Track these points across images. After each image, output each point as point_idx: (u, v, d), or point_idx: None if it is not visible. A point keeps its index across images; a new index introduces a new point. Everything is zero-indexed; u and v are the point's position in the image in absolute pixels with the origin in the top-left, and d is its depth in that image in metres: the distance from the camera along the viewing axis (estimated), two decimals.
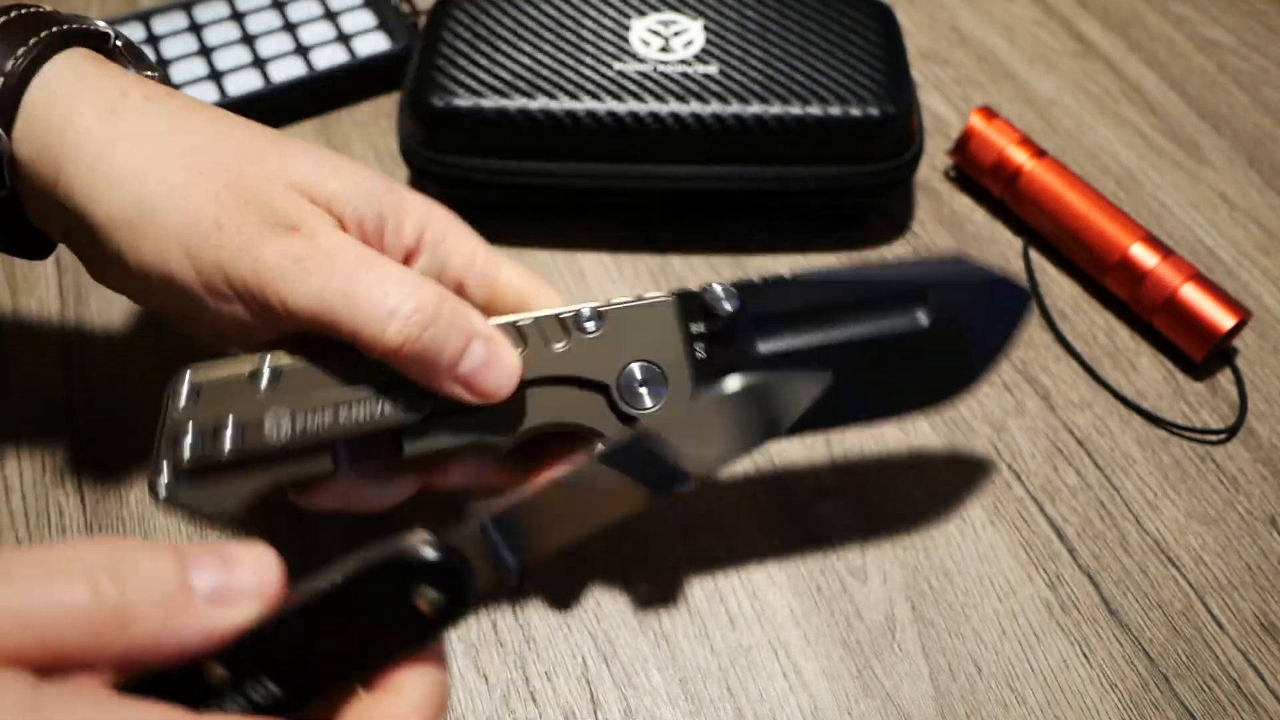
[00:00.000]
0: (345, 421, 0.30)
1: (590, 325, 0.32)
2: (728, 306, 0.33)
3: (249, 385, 0.30)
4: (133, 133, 0.31)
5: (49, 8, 0.33)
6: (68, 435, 0.41)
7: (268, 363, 0.30)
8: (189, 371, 0.30)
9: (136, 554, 0.21)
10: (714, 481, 0.41)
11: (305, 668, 0.22)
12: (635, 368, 0.32)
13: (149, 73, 0.35)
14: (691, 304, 0.33)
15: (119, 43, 0.34)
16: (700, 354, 0.33)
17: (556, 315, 0.32)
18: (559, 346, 0.32)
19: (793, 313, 0.34)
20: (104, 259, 0.31)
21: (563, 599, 0.38)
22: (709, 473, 0.30)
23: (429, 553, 0.22)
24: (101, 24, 0.34)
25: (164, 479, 0.29)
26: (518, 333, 0.32)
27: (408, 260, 0.33)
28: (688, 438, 0.27)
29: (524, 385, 0.31)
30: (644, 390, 0.32)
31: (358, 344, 0.29)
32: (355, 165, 0.33)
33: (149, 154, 0.31)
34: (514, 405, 0.31)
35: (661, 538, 0.39)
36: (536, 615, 0.37)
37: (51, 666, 0.19)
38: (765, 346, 0.34)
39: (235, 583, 0.22)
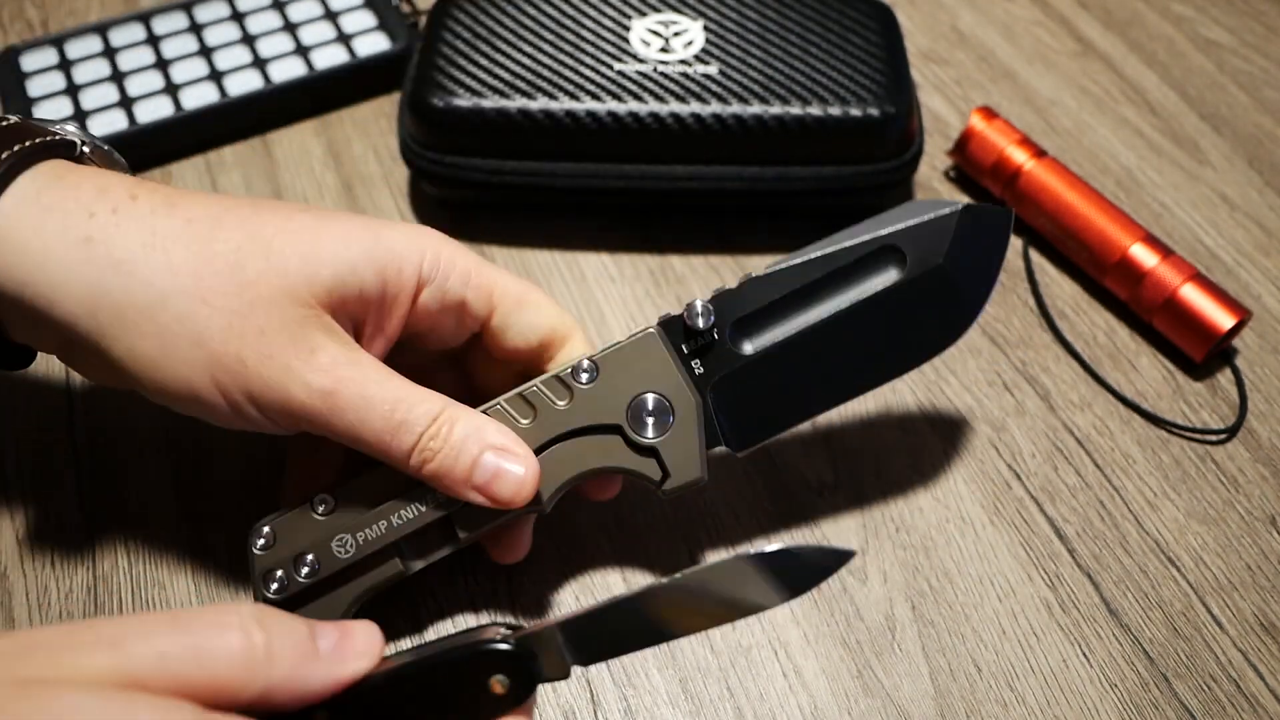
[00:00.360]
0: (399, 524, 0.33)
1: (585, 376, 0.34)
2: (703, 322, 0.34)
3: (311, 516, 0.33)
4: (115, 263, 0.30)
5: (13, 118, 0.33)
6: (68, 435, 0.41)
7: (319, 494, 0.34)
8: (263, 523, 0.34)
9: (275, 613, 0.25)
10: (715, 480, 0.41)
11: None
12: (639, 401, 0.34)
13: (121, 170, 0.35)
14: (675, 326, 0.35)
15: (86, 149, 0.34)
16: (698, 369, 0.35)
17: (556, 376, 0.34)
18: (564, 404, 0.34)
19: (774, 305, 0.35)
20: (111, 373, 0.32)
21: (563, 598, 0.38)
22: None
23: (505, 646, 0.27)
24: (70, 130, 0.34)
25: None
26: (526, 402, 0.34)
27: (416, 296, 0.34)
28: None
29: (545, 446, 0.34)
30: (652, 420, 0.34)
31: (384, 461, 0.32)
32: (339, 230, 0.33)
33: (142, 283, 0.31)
34: (543, 464, 0.33)
35: (662, 537, 0.39)
36: (536, 615, 0.37)
37: (210, 701, 0.23)
38: (754, 344, 0.35)
39: (351, 644, 0.26)
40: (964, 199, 0.51)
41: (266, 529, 0.33)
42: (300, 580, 0.33)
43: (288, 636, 0.25)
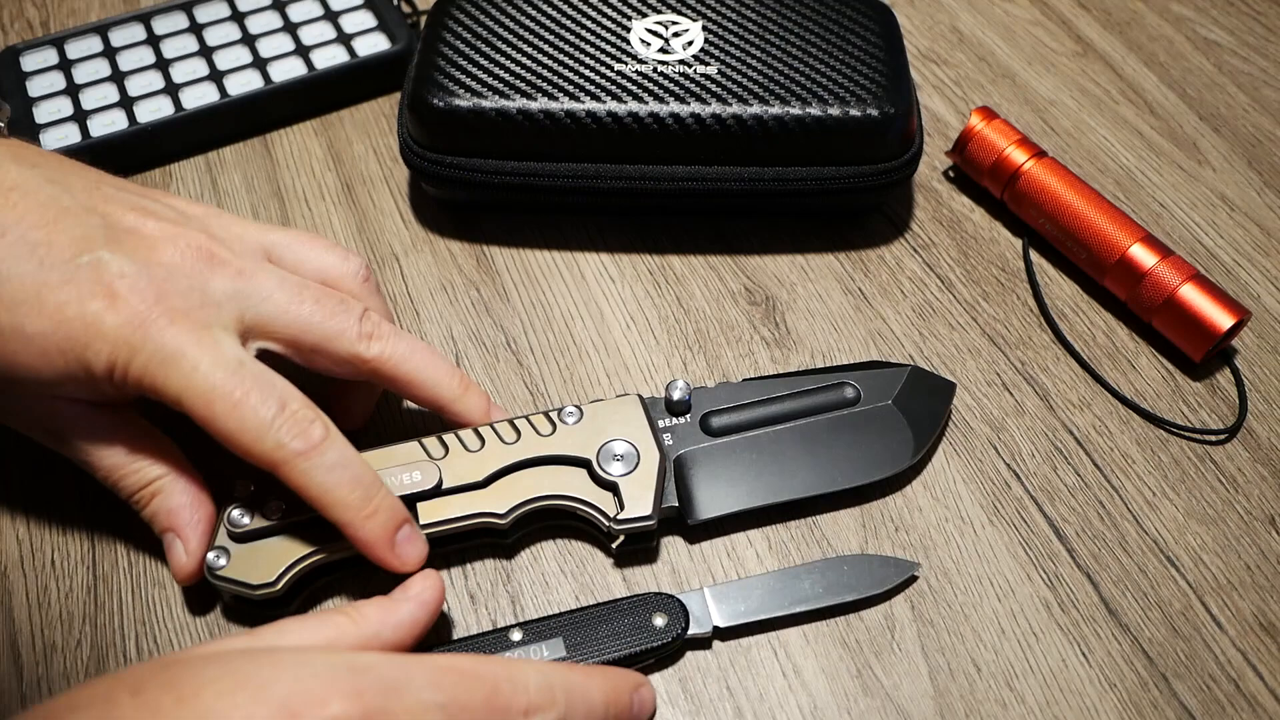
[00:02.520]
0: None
1: (571, 419, 0.39)
2: (679, 394, 0.40)
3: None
4: None
5: None
6: None
7: None
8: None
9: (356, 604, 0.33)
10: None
11: (590, 642, 0.35)
12: (611, 445, 0.38)
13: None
14: (654, 404, 0.40)
15: None
16: (668, 440, 0.40)
17: (545, 412, 0.39)
18: (546, 434, 0.38)
19: (741, 406, 0.41)
20: None
21: (563, 598, 0.38)
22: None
23: (667, 596, 0.37)
24: None
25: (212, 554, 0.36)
26: (513, 428, 0.38)
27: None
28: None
29: (520, 466, 0.38)
30: (619, 462, 0.38)
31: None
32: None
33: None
34: (514, 483, 0.37)
35: (662, 536, 0.39)
36: (536, 614, 0.37)
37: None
38: (718, 433, 0.40)
39: (410, 587, 0.34)
40: (964, 199, 0.51)
41: (254, 487, 0.36)
42: (261, 521, 0.36)
43: (373, 607, 0.32)
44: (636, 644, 0.35)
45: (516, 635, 0.35)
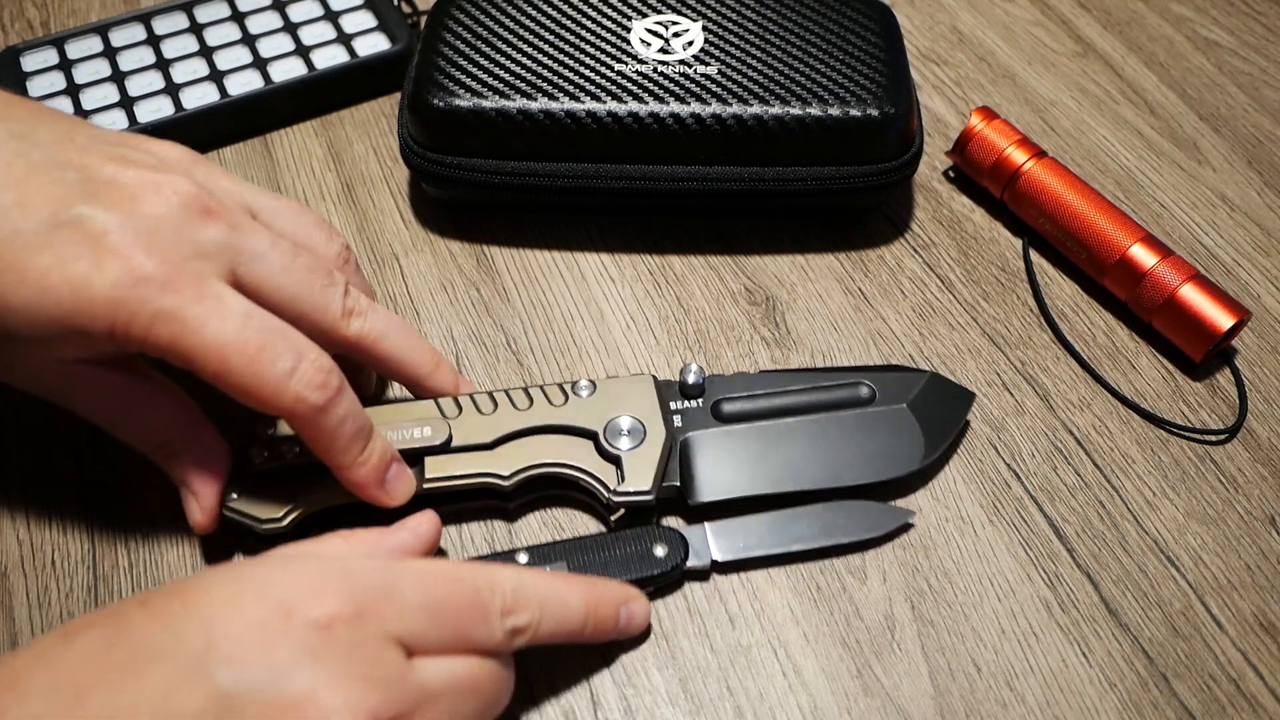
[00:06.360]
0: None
1: (584, 392, 0.40)
2: (693, 378, 0.40)
3: None
4: None
5: None
6: (68, 435, 0.41)
7: None
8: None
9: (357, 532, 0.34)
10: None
11: (592, 566, 0.37)
12: (619, 420, 0.39)
13: None
14: (668, 387, 0.41)
15: None
16: (677, 422, 0.40)
17: (559, 384, 0.40)
18: (558, 404, 0.39)
19: (754, 396, 0.41)
20: None
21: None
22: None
23: (668, 528, 0.38)
24: None
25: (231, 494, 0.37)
26: (526, 395, 0.39)
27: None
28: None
29: (529, 433, 0.39)
30: (625, 437, 0.39)
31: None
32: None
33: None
34: (520, 448, 0.38)
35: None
36: None
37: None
38: (728, 420, 0.41)
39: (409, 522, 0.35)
40: (964, 199, 0.51)
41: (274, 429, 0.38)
42: (275, 461, 0.37)
43: (366, 535, 0.34)
44: (637, 571, 0.37)
45: (523, 558, 0.37)
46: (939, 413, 0.41)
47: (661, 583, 0.37)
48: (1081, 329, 0.46)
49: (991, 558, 0.39)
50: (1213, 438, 0.43)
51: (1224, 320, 0.43)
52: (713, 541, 0.38)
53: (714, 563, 0.38)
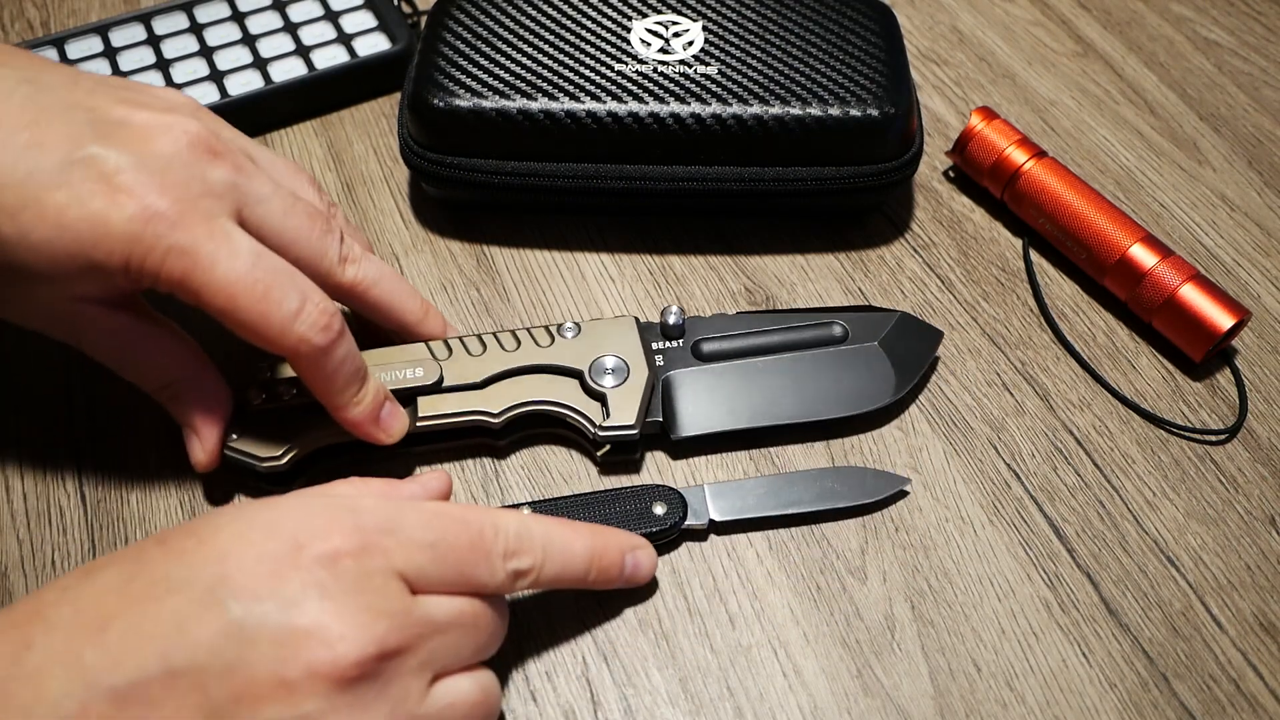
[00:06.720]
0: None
1: (569, 333, 0.41)
2: (674, 319, 0.42)
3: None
4: None
5: None
6: (68, 435, 0.41)
7: None
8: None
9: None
10: (719, 470, 0.41)
11: (594, 522, 0.37)
12: (603, 359, 0.41)
13: None
14: (650, 328, 0.43)
15: None
16: (659, 361, 0.42)
17: (545, 326, 0.42)
18: (544, 345, 0.41)
19: (732, 336, 0.43)
20: None
21: (562, 598, 0.38)
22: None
23: (668, 488, 0.39)
24: None
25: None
26: (514, 337, 0.41)
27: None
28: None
29: (518, 373, 0.40)
30: (609, 375, 0.40)
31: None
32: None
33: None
34: (509, 387, 0.40)
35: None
36: (536, 614, 0.37)
37: None
38: (708, 358, 0.42)
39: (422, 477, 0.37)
40: (964, 199, 0.51)
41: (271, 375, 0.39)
42: (273, 402, 0.39)
43: (374, 483, 0.34)
44: (636, 528, 0.38)
45: (526, 512, 0.38)
46: (909, 350, 0.43)
47: (660, 541, 0.38)
48: (1081, 329, 0.46)
49: (991, 558, 0.39)
50: (1213, 438, 0.43)
51: (1224, 320, 0.43)
52: (711, 502, 0.39)
53: (712, 522, 0.39)
